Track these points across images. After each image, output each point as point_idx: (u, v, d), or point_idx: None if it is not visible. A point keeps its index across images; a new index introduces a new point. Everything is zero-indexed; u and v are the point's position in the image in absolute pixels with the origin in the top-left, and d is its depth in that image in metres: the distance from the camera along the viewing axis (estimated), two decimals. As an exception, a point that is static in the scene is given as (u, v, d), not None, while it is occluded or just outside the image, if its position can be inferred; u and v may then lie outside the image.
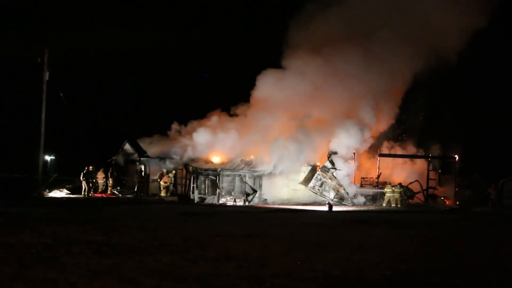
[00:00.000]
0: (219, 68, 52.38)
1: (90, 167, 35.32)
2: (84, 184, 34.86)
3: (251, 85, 37.38)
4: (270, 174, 34.51)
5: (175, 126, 38.52)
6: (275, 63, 37.87)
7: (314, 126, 35.69)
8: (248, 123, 36.19)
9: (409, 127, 41.13)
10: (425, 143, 39.82)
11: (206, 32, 55.31)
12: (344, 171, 35.61)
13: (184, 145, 35.53)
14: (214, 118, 37.33)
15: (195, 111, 40.55)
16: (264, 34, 49.00)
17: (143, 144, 38.18)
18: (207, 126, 36.29)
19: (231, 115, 37.78)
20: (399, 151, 39.97)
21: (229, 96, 43.00)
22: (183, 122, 38.48)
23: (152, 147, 37.63)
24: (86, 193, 34.74)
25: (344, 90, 36.84)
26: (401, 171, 39.02)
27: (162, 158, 36.67)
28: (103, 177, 36.86)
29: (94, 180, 36.09)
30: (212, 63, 52.89)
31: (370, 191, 36.45)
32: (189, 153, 35.00)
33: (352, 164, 36.18)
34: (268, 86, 36.76)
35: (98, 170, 36.53)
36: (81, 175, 34.96)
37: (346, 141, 36.06)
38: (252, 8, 55.51)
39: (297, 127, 35.04)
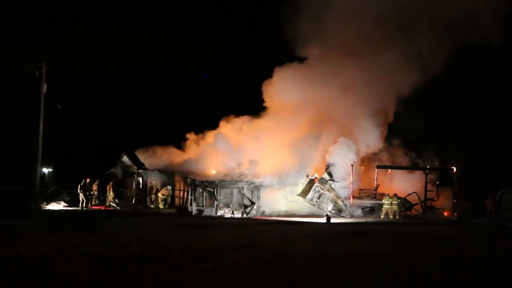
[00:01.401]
0: (221, 73, 52.28)
1: (87, 180, 35.32)
2: (81, 197, 34.83)
3: (255, 87, 37.85)
4: (268, 186, 34.57)
5: (192, 136, 38.64)
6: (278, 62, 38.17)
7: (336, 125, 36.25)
8: (269, 128, 36.22)
9: (407, 136, 40.88)
10: (423, 154, 39.72)
11: (203, 39, 55.28)
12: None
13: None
14: (238, 123, 37.61)
15: (199, 121, 40.97)
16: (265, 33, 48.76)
17: (142, 156, 38.28)
18: (228, 135, 36.55)
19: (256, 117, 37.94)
20: (396, 161, 39.89)
21: (235, 100, 43.22)
22: (188, 131, 39.03)
23: (165, 159, 37.77)
24: (84, 206, 34.71)
25: (373, 88, 36.92)
26: (398, 182, 38.95)
27: (161, 170, 36.75)
28: (95, 190, 36.79)
29: (92, 193, 36.12)
30: (213, 68, 52.84)
31: (368, 203, 36.32)
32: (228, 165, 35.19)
33: (350, 177, 36.07)
34: (287, 85, 36.65)
35: (94, 182, 36.49)
36: (78, 188, 34.93)
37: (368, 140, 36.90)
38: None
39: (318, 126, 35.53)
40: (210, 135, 37.81)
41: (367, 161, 38.81)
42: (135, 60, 51.28)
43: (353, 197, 36.06)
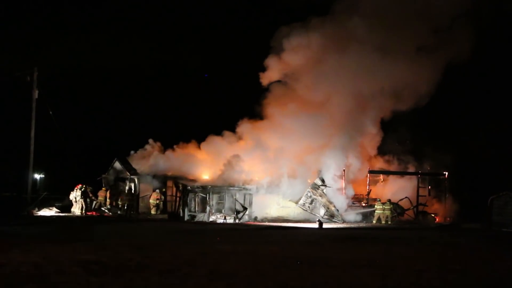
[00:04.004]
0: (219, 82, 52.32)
1: (79, 186, 35.25)
2: (81, 202, 34.89)
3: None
4: (260, 191, 34.62)
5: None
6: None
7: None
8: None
9: (399, 142, 40.79)
10: (415, 159, 39.69)
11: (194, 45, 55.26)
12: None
13: None
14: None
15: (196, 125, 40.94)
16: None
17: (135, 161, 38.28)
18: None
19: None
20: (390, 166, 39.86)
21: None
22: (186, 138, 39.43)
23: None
24: (83, 211, 34.80)
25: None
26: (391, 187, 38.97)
27: (153, 176, 36.73)
28: (91, 196, 36.78)
29: (91, 198, 36.31)
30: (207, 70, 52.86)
31: (360, 210, 36.25)
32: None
33: (342, 182, 36.12)
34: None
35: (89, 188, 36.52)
36: (80, 194, 34.95)
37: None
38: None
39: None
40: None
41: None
42: (127, 66, 51.14)
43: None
